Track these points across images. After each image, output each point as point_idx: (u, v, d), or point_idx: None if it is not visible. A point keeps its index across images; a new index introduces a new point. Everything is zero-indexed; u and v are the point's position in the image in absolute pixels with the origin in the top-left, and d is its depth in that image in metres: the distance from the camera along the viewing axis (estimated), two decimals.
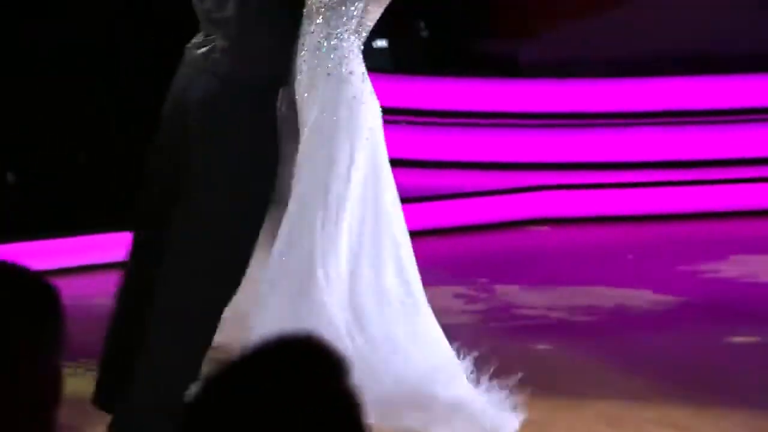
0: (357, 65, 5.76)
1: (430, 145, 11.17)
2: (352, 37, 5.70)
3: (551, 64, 11.17)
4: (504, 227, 10.53)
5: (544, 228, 10.57)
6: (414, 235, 7.59)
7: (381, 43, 11.52)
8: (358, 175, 5.79)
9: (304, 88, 5.61)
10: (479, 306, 9.44)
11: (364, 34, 5.77)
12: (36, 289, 2.57)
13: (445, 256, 10.31)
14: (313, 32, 5.63)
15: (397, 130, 10.37)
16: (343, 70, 5.69)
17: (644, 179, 10.81)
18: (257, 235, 5.55)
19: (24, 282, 2.57)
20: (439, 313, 7.18)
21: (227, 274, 5.55)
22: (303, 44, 5.60)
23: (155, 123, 6.48)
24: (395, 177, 7.39)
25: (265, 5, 5.47)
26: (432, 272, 8.63)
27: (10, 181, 10.03)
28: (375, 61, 9.82)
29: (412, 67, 12.03)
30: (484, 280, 9.68)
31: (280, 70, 5.52)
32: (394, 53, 12.21)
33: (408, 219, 7.44)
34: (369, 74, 8.16)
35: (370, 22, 5.80)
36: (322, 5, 5.58)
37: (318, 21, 5.63)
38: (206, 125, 5.36)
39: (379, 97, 7.25)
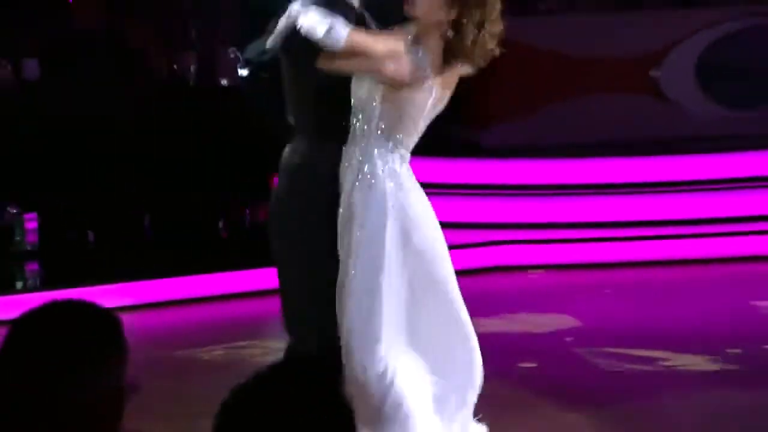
0: (382, 165, 5.72)
1: None
2: (381, 140, 5.71)
3: (506, 147, 11.61)
4: (464, 274, 9.24)
5: (538, 272, 10.71)
6: None
7: None
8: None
9: (348, 183, 5.66)
10: None
11: (399, 136, 5.76)
12: (101, 321, 2.85)
13: None
14: (354, 131, 5.73)
15: None
16: (368, 168, 5.72)
17: (576, 236, 11.15)
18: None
19: (91, 314, 2.86)
20: None
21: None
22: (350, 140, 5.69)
23: None
24: None
25: (331, 112, 5.64)
26: None
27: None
28: None
29: None
30: None
31: (337, 167, 5.66)
32: None
33: None
34: None
35: (401, 129, 5.77)
36: (357, 108, 5.68)
37: (356, 121, 5.71)
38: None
39: None
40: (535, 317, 9.76)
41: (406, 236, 5.62)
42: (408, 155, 5.72)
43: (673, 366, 8.70)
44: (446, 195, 10.95)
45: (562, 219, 11.34)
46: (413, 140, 5.76)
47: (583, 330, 9.46)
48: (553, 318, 9.66)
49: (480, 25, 5.55)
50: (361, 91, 5.70)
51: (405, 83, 5.54)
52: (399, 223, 5.64)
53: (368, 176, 5.66)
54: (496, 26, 5.58)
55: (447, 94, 5.74)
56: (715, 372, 8.59)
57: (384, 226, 5.62)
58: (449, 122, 10.39)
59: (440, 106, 5.70)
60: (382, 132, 5.65)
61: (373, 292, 5.59)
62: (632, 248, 11.11)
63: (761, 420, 7.73)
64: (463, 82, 11.80)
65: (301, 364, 2.71)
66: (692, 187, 11.39)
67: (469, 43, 5.59)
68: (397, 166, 5.62)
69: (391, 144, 5.69)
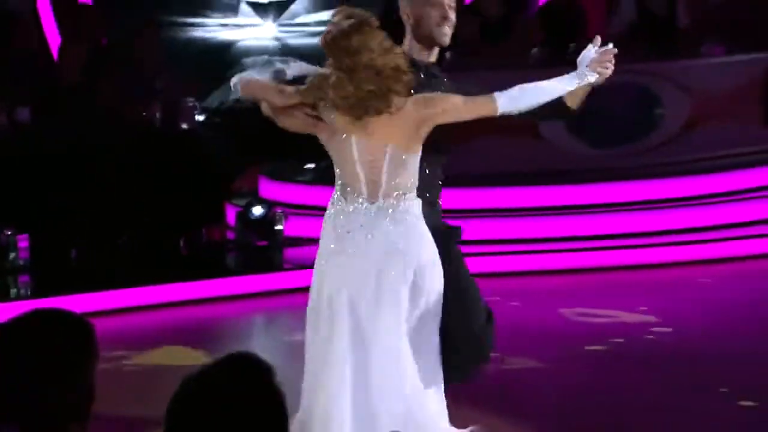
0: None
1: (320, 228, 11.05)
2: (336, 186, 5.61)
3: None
4: None
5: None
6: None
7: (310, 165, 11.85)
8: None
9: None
10: None
11: (340, 182, 5.59)
12: (75, 327, 2.82)
13: None
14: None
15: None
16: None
17: (479, 251, 10.41)
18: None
19: (67, 321, 2.83)
20: None
21: None
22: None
23: None
24: None
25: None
26: None
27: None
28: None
29: None
30: None
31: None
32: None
33: None
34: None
35: (341, 176, 5.57)
36: None
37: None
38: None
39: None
40: None
41: None
42: (345, 198, 5.45)
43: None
44: None
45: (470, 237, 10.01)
46: (363, 186, 5.41)
47: None
48: None
49: (351, 71, 5.27)
50: None
51: (289, 128, 5.51)
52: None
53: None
54: (372, 69, 5.27)
55: (386, 140, 5.35)
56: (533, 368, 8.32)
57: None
58: None
59: (397, 152, 5.32)
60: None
61: None
62: (519, 261, 10.80)
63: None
64: None
65: (240, 359, 2.63)
66: (564, 211, 11.20)
67: (346, 91, 5.31)
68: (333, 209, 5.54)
69: (338, 190, 5.51)
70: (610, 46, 5.35)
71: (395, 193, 5.37)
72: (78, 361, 2.77)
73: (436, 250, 5.35)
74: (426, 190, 5.45)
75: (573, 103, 5.42)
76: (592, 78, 5.20)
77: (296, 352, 8.26)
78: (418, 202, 5.41)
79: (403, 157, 5.33)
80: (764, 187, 11.62)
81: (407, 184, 5.40)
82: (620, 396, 7.76)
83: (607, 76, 5.33)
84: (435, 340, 5.40)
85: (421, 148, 5.36)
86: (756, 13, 13.21)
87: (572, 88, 5.27)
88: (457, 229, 5.75)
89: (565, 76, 5.28)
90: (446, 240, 5.49)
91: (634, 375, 8.19)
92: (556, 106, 5.36)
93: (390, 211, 5.33)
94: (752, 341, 8.86)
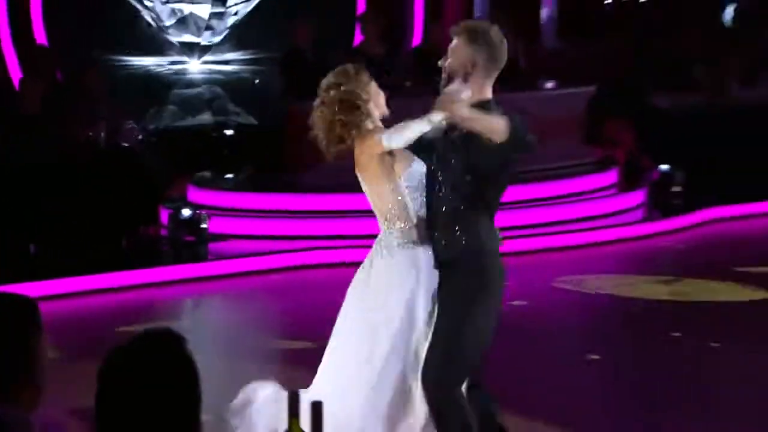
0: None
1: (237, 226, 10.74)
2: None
3: (314, 185, 10.82)
4: (287, 270, 9.89)
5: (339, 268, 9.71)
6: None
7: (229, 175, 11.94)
8: None
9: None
10: None
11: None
12: (19, 304, 2.79)
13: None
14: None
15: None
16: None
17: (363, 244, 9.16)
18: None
19: (10, 299, 2.81)
20: None
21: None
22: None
23: None
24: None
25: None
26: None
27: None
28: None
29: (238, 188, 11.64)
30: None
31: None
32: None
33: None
34: None
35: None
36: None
37: None
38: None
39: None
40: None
41: None
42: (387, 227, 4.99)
43: None
44: (276, 218, 10.85)
45: (352, 233, 10.29)
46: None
47: None
48: None
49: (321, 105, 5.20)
50: None
51: None
52: None
53: None
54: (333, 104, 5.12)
55: (359, 171, 5.08)
56: None
57: None
58: (277, 169, 11.15)
59: (364, 182, 5.06)
60: None
61: None
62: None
63: None
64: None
65: (158, 331, 2.55)
66: None
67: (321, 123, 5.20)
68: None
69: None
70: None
71: (382, 221, 5.06)
72: (24, 334, 2.73)
73: (401, 286, 4.97)
74: (433, 219, 4.99)
75: (498, 139, 4.72)
76: (436, 118, 4.78)
77: (217, 328, 9.01)
78: (395, 233, 4.99)
79: (368, 187, 5.08)
80: (587, 191, 11.62)
81: (384, 214, 5.03)
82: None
83: (454, 114, 4.76)
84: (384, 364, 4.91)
85: (389, 179, 4.98)
86: (579, 58, 13.92)
87: (427, 127, 4.82)
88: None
89: (423, 117, 4.86)
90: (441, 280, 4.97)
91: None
92: (517, 144, 4.86)
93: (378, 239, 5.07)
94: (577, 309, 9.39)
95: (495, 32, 4.91)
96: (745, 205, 12.02)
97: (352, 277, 9.24)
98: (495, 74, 4.93)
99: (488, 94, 4.94)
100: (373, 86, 5.21)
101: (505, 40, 4.93)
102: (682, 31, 15.05)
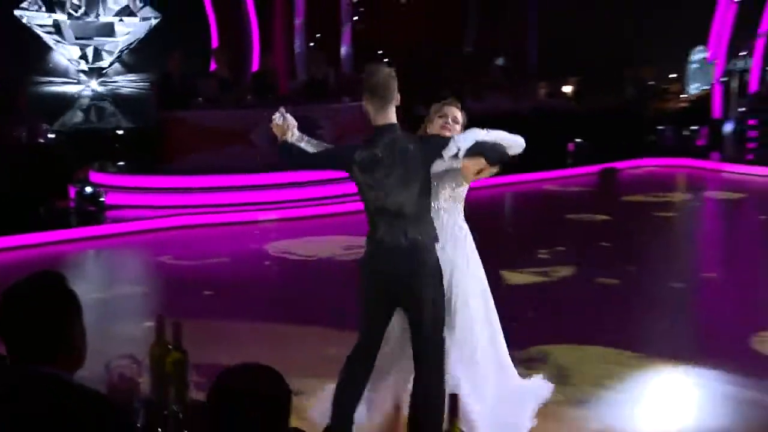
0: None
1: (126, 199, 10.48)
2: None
3: (183, 169, 10.63)
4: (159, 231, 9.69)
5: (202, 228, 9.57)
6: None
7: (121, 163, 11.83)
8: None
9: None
10: None
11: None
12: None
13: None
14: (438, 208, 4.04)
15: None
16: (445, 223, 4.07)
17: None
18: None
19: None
20: None
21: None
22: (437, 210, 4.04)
23: None
24: None
25: (423, 201, 3.80)
26: None
27: None
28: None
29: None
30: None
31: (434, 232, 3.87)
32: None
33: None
34: None
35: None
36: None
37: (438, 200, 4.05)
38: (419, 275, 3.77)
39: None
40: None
41: None
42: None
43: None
44: (153, 193, 10.70)
45: (209, 203, 10.48)
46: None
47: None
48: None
49: None
50: None
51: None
52: None
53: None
54: None
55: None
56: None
57: None
58: (153, 158, 11.03)
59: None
60: None
61: None
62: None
63: None
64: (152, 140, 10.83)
65: (44, 272, 2.35)
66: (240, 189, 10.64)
67: None
68: None
69: None
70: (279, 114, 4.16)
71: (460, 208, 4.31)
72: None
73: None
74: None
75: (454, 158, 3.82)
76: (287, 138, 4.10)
77: (110, 270, 8.88)
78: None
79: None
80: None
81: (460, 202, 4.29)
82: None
83: (277, 131, 4.10)
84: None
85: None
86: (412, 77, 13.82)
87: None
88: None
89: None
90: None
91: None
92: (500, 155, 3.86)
93: None
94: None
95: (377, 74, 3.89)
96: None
97: (211, 234, 9.48)
98: (380, 104, 3.81)
99: (390, 119, 3.86)
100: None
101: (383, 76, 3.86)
102: (437, 64, 15.51)
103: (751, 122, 14.06)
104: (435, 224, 3.98)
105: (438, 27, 17.09)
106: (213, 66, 12.42)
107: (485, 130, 3.79)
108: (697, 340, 6.17)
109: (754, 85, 14.81)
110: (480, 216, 4.69)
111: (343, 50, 14.95)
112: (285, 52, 13.20)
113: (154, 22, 14.66)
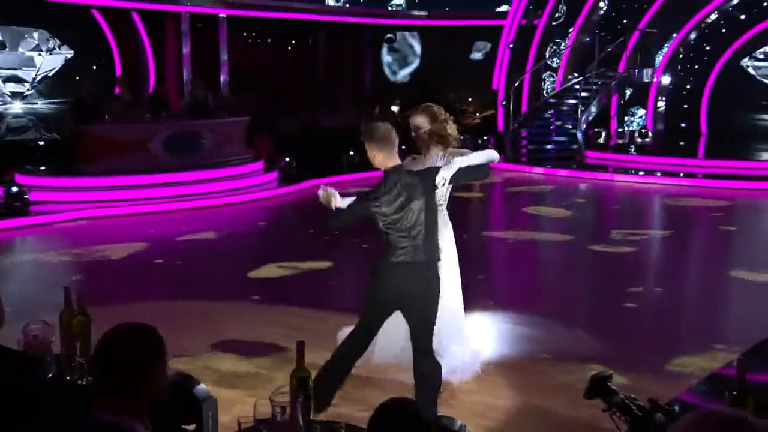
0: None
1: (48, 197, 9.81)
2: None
3: (96, 171, 10.07)
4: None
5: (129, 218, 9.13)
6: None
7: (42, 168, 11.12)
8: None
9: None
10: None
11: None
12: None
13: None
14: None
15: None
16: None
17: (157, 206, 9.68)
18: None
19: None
20: None
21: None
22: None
23: None
24: None
25: (431, 226, 3.47)
26: None
27: None
28: None
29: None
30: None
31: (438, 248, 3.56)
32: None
33: None
34: None
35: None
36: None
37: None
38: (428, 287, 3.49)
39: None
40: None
41: None
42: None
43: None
44: (70, 191, 10.04)
45: (110, 198, 9.89)
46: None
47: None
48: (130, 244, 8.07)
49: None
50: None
51: None
52: None
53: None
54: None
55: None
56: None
57: None
58: (69, 163, 10.44)
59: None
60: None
61: None
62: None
63: None
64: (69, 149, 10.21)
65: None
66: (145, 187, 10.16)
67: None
68: None
69: None
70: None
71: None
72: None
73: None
74: None
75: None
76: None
77: (35, 254, 8.14)
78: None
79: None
80: (249, 173, 11.25)
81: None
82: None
83: (325, 202, 3.62)
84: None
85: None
86: (242, 101, 13.42)
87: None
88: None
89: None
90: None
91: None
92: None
93: None
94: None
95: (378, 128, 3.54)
96: (326, 178, 11.33)
97: (119, 223, 9.09)
98: (387, 152, 3.47)
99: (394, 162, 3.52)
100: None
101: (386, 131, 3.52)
102: (291, 91, 15.42)
103: (523, 134, 14.81)
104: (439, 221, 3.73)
105: (295, 61, 17.12)
106: (117, 90, 11.96)
107: (462, 157, 3.70)
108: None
109: (524, 107, 15.68)
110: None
111: (222, 78, 14.73)
112: (175, 78, 12.95)
113: (68, 55, 14.05)
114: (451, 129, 4.09)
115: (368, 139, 3.51)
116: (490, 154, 3.82)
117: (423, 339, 3.55)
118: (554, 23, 15.95)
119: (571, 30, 15.74)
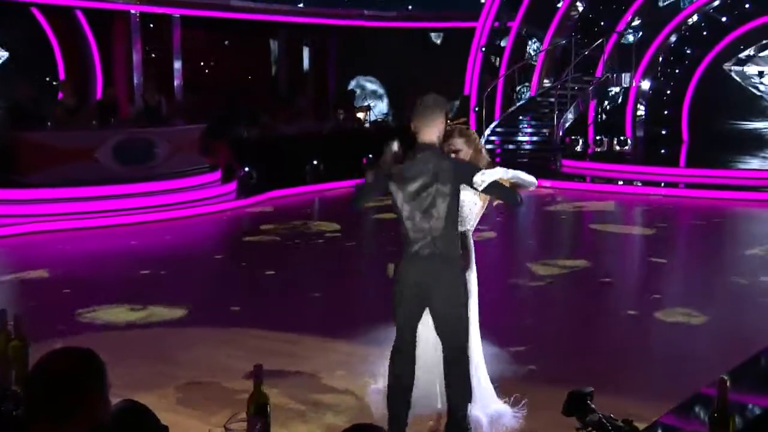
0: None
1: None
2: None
3: (36, 182, 9.96)
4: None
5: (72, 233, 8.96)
6: None
7: None
8: None
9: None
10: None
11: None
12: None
13: None
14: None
15: None
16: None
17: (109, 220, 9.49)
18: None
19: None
20: None
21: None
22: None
23: None
24: None
25: (450, 220, 3.40)
26: None
27: None
28: None
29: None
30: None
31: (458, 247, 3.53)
32: None
33: None
34: None
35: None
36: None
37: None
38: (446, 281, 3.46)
39: None
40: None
41: None
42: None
43: None
44: (11, 204, 9.79)
45: (52, 211, 9.75)
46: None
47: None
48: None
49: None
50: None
51: None
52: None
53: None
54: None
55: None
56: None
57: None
58: (10, 172, 10.08)
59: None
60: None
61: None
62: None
63: None
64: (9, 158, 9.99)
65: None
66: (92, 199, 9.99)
67: None
68: None
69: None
70: None
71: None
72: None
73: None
74: None
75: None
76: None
77: None
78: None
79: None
80: (205, 183, 11.23)
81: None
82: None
83: (389, 161, 3.57)
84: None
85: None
86: (196, 107, 13.43)
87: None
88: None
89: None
90: None
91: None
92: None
93: None
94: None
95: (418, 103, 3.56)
96: (288, 189, 11.92)
97: (61, 238, 8.92)
98: (423, 123, 3.49)
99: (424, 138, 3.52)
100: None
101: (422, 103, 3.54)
102: (250, 96, 15.40)
103: (496, 141, 15.04)
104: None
105: (254, 64, 17.09)
106: (60, 95, 11.79)
107: (505, 168, 3.53)
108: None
109: (497, 114, 15.85)
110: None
111: (176, 82, 14.64)
112: (125, 82, 12.87)
113: (2, 58, 13.64)
114: (485, 154, 3.93)
115: (413, 113, 3.49)
116: (532, 179, 3.66)
117: (449, 346, 3.49)
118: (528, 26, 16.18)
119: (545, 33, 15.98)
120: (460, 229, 3.68)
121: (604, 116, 16.26)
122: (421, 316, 3.58)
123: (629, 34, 15.93)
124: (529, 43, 16.77)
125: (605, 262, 7.93)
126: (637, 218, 10.91)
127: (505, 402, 3.96)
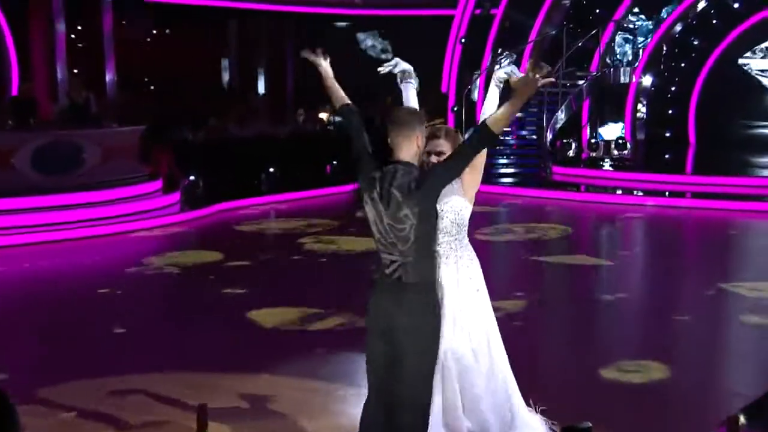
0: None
1: None
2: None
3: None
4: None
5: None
6: None
7: None
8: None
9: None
10: None
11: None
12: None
13: None
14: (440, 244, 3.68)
15: None
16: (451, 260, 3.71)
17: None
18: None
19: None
20: None
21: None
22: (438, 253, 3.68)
23: None
24: None
25: (425, 238, 3.37)
26: None
27: None
28: None
29: None
30: None
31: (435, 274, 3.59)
32: None
33: None
34: None
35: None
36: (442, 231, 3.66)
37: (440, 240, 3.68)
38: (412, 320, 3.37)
39: None
40: None
41: None
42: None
43: None
44: None
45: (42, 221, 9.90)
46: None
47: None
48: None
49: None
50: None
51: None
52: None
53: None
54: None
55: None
56: None
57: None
58: None
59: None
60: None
61: None
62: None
63: None
64: None
65: None
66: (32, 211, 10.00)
67: None
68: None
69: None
70: None
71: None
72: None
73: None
74: None
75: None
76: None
77: None
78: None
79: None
80: (142, 194, 11.22)
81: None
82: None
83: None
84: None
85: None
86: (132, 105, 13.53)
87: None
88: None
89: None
90: None
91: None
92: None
93: None
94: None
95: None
96: (240, 201, 11.88)
97: (24, 251, 9.06)
98: (396, 138, 3.51)
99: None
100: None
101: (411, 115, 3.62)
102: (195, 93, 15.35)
103: None
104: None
105: (200, 57, 17.00)
106: None
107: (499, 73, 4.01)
108: None
109: (479, 115, 15.82)
110: None
111: (108, 77, 14.41)
112: (46, 77, 12.65)
113: None
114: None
115: (388, 127, 3.55)
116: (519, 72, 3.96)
117: (405, 394, 3.45)
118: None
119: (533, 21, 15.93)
120: (458, 237, 3.79)
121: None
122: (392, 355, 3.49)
123: (628, 23, 15.95)
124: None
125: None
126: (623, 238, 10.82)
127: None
